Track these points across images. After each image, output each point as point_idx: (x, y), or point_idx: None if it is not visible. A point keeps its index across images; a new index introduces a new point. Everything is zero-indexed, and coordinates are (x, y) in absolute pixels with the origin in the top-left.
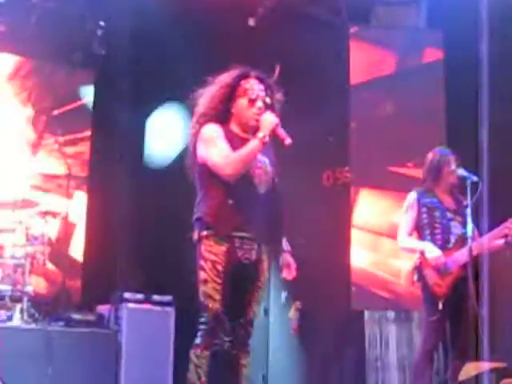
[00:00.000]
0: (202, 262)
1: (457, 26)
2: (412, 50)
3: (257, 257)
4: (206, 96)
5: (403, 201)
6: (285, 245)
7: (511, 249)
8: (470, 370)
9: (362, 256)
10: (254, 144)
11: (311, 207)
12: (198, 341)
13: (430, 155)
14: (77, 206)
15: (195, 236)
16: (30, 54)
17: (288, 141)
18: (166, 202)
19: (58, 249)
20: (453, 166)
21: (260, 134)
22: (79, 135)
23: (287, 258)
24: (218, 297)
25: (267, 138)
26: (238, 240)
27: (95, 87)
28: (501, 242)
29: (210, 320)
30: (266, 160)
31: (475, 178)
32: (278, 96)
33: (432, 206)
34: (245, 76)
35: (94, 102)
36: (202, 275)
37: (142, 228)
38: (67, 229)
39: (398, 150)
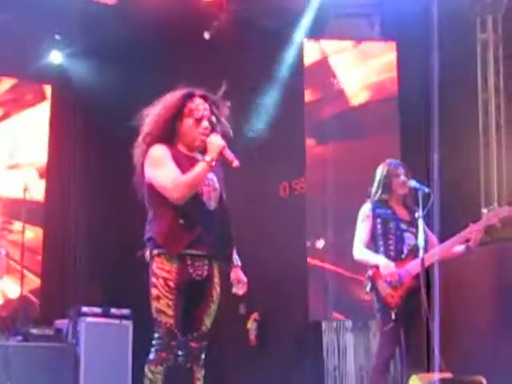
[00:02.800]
0: (153, 280)
1: (410, 36)
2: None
3: (208, 273)
4: (151, 116)
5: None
6: (235, 260)
7: (473, 254)
8: (415, 381)
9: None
10: (201, 167)
11: (268, 219)
12: (151, 356)
13: (379, 168)
14: (34, 219)
15: (147, 254)
16: None
17: (235, 163)
18: (124, 216)
19: (16, 264)
20: (402, 177)
21: (207, 158)
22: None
23: (237, 272)
24: (170, 312)
25: (214, 162)
26: (189, 258)
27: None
28: (461, 248)
29: (164, 335)
30: (214, 177)
31: (427, 190)
32: (224, 111)
33: (387, 217)
34: (189, 96)
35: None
36: (154, 292)
37: (100, 242)
38: (24, 244)
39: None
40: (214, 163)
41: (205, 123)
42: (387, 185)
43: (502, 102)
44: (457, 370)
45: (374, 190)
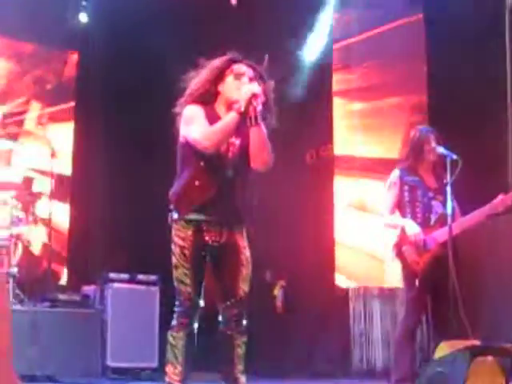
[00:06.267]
0: (172, 247)
1: None
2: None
3: (227, 238)
4: (196, 78)
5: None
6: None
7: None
8: (444, 348)
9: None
10: (230, 116)
11: (296, 187)
12: (173, 322)
13: (411, 133)
14: (60, 187)
15: (169, 220)
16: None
17: (257, 120)
18: (154, 181)
19: (43, 229)
20: (433, 144)
21: (236, 105)
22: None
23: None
24: (188, 281)
25: (243, 108)
26: (204, 224)
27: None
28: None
29: (183, 303)
30: (237, 141)
31: (455, 156)
32: (268, 85)
33: (414, 184)
34: (236, 61)
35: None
36: (174, 260)
37: (128, 207)
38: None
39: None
40: (242, 109)
41: (245, 78)
42: (419, 151)
43: None
44: (486, 338)
45: (405, 155)
